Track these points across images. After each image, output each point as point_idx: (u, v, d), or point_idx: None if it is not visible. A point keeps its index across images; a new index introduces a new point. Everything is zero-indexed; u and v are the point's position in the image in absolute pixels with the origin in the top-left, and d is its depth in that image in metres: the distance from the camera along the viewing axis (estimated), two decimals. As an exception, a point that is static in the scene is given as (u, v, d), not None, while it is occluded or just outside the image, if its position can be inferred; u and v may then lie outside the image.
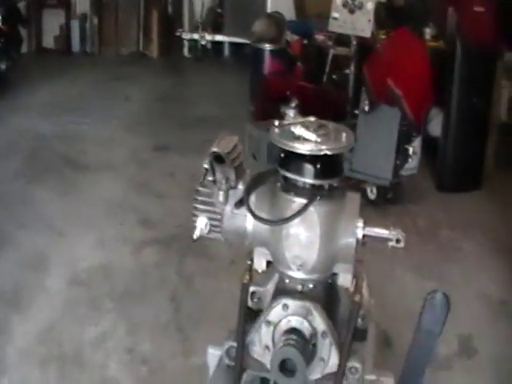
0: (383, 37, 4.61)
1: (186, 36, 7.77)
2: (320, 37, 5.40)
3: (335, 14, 4.74)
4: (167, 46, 7.84)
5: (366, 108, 3.84)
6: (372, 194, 3.81)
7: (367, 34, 4.55)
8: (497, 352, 2.61)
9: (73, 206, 3.72)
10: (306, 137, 1.13)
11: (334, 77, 5.00)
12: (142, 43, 7.81)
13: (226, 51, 8.01)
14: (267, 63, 5.41)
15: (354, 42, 4.65)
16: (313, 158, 1.11)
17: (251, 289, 1.20)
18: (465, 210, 3.87)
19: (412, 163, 3.82)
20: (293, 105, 3.40)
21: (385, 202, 3.72)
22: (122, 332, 2.64)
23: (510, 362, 2.55)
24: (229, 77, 7.07)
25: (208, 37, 7.75)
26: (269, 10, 6.74)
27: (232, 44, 7.89)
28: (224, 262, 3.20)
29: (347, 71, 4.64)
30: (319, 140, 1.12)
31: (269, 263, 1.23)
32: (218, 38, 7.81)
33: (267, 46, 5.35)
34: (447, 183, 4.17)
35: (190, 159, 4.53)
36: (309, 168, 1.12)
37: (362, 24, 4.63)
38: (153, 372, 2.43)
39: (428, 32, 4.76)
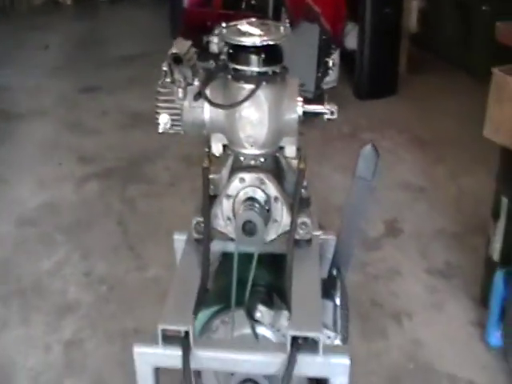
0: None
1: (100, -25, 7.62)
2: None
3: None
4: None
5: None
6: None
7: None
8: (417, 230, 2.96)
9: (10, 153, 3.75)
10: (251, 32, 1.29)
11: (252, 2, 5.10)
12: (55, -10, 7.61)
13: (143, -11, 7.90)
14: (186, -4, 5.43)
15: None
16: (257, 49, 1.28)
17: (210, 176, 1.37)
18: (382, 114, 4.19)
19: (332, 75, 4.05)
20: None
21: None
22: (76, 259, 2.79)
23: (428, 237, 2.91)
24: (146, 15, 7.06)
25: (122, -25, 7.61)
26: None
27: (147, -18, 7.79)
28: (163, 184, 3.40)
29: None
30: (262, 33, 1.29)
31: (224, 147, 1.40)
32: (134, -26, 7.67)
33: (185, -21, 5.37)
34: (365, 91, 4.44)
35: (119, 97, 4.64)
36: (254, 58, 1.28)
37: None
38: (111, 289, 2.59)
39: None
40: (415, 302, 2.49)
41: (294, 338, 1.17)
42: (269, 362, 1.21)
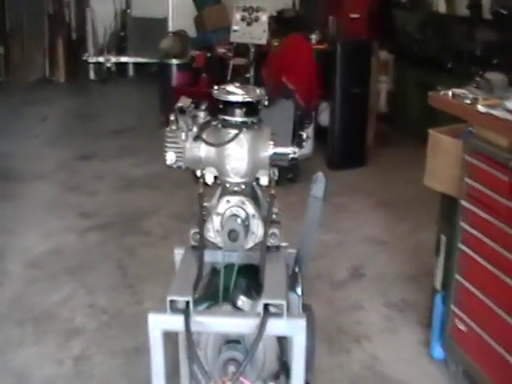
0: (276, 43, 5.54)
1: (92, 59, 8.45)
2: (221, 50, 6.27)
3: (235, 27, 5.68)
4: (73, 70, 8.45)
5: (266, 103, 4.73)
6: (274, 175, 4.68)
7: (263, 41, 5.53)
8: (378, 274, 3.54)
9: (16, 210, 4.30)
10: (236, 92, 1.90)
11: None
12: (49, 69, 8.37)
13: (131, 71, 8.76)
14: (175, 76, 6.21)
15: (253, 50, 5.57)
16: (240, 104, 1.87)
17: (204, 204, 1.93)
18: (352, 182, 4.87)
19: (307, 147, 4.72)
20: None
21: (286, 181, 4.56)
22: (81, 294, 3.28)
23: (387, 279, 3.49)
24: (135, 94, 7.90)
25: (113, 59, 8.46)
26: (170, 30, 7.54)
27: (136, 64, 8.66)
28: (157, 237, 3.95)
29: (247, 75, 5.53)
30: (243, 93, 1.89)
31: (215, 178, 1.96)
32: (123, 59, 8.56)
33: (174, 61, 6.16)
34: (336, 163, 5.15)
35: (113, 164, 5.26)
36: (238, 111, 1.87)
37: (258, 34, 5.62)
38: (112, 318, 3.08)
39: (314, 37, 5.74)
40: (374, 328, 3.03)
41: (266, 306, 1.70)
42: (247, 324, 1.73)
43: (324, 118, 5.32)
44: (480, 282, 2.42)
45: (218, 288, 1.86)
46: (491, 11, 5.38)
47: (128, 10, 8.39)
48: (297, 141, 5.15)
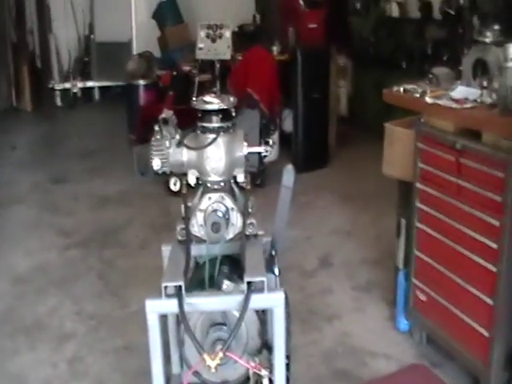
0: (240, 57, 5.86)
1: (58, 86, 8.68)
2: (186, 67, 6.56)
3: (200, 45, 5.98)
4: (39, 98, 8.63)
5: (233, 113, 5.05)
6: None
7: (228, 56, 5.85)
8: (345, 261, 3.88)
9: (-5, 232, 4.53)
10: (212, 101, 2.18)
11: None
12: (15, 98, 8.58)
13: (97, 95, 9.01)
14: (142, 96, 6.49)
15: (218, 65, 5.88)
16: (216, 112, 2.15)
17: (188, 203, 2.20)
18: (316, 181, 5.23)
19: (273, 152, 5.04)
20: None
21: (255, 186, 4.84)
22: (69, 304, 3.51)
23: (353, 265, 3.83)
24: (102, 117, 8.18)
25: (79, 84, 8.71)
26: (134, 52, 7.83)
27: (101, 88, 8.92)
28: (135, 248, 4.20)
29: (214, 90, 5.83)
30: (219, 102, 2.17)
31: (197, 179, 2.22)
32: (89, 84, 8.81)
33: (141, 82, 6.44)
34: (301, 165, 5.34)
35: (87, 184, 5.51)
36: (215, 117, 2.14)
37: (223, 50, 5.93)
38: (100, 322, 3.32)
39: (275, 48, 6.08)
40: (343, 309, 3.34)
41: (248, 283, 1.97)
42: (233, 301, 1.99)
43: (288, 125, 5.66)
44: (436, 253, 2.73)
45: (204, 278, 2.14)
46: (440, 11, 5.79)
47: (91, 36, 8.65)
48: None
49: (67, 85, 8.67)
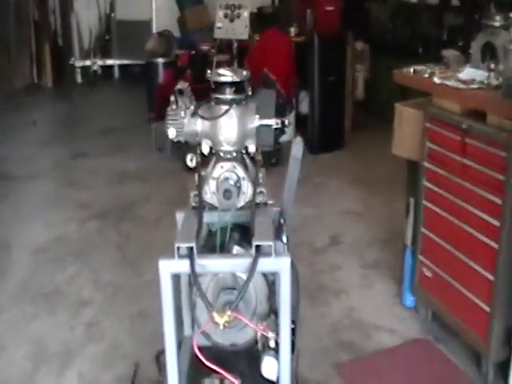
0: (257, 38, 5.96)
1: (79, 64, 8.82)
2: (204, 47, 6.66)
3: (219, 24, 6.12)
4: (60, 75, 8.80)
5: (250, 93, 5.16)
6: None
7: (245, 36, 5.97)
8: (355, 240, 4.00)
9: (15, 206, 4.66)
10: (226, 74, 2.30)
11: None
12: (36, 75, 8.73)
13: (116, 73, 9.14)
14: (161, 74, 6.59)
15: (236, 45, 5.99)
16: (230, 84, 2.27)
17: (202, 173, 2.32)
18: (331, 163, 5.36)
19: (288, 133, 5.15)
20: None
21: (270, 165, 4.97)
22: (86, 273, 3.67)
23: (363, 244, 3.94)
24: (121, 95, 8.32)
25: (99, 62, 8.85)
26: (154, 31, 7.93)
27: (121, 66, 9.05)
28: (151, 221, 4.34)
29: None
30: (232, 75, 2.29)
31: (210, 149, 2.34)
32: (109, 62, 8.94)
33: (160, 60, 6.55)
34: (316, 147, 5.60)
35: (106, 161, 5.65)
36: (228, 89, 2.26)
37: (240, 29, 6.06)
38: (116, 289, 3.47)
39: (292, 31, 6.16)
40: (352, 284, 3.45)
41: (257, 246, 2.09)
42: (242, 263, 2.11)
43: (304, 107, 5.74)
44: (441, 231, 2.83)
45: (215, 244, 2.26)
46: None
47: (112, 14, 8.76)
48: (280, 129, 5.61)
49: (87, 62, 8.81)
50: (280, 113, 5.13)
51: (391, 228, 3.94)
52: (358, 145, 5.76)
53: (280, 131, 5.20)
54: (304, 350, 2.70)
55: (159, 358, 2.58)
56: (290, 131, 5.28)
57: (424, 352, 2.88)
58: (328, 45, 5.50)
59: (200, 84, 5.59)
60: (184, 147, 5.03)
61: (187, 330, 2.60)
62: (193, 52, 6.70)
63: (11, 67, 8.56)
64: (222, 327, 2.09)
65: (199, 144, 2.35)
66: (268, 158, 4.73)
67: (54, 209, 4.60)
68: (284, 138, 5.23)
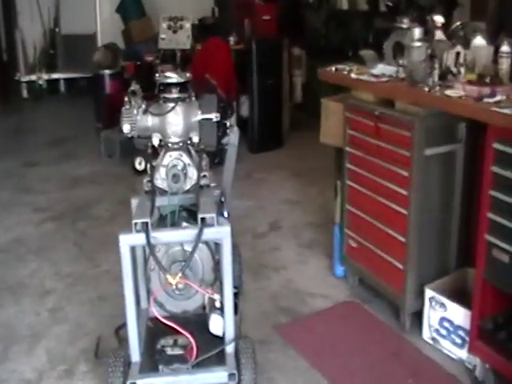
0: (199, 47, 6.41)
1: (24, 79, 9.09)
2: (149, 58, 7.07)
3: (163, 35, 6.61)
4: (6, 90, 9.04)
5: (193, 97, 5.61)
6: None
7: (188, 46, 6.45)
8: (292, 225, 4.49)
9: (-26, 212, 4.98)
10: (172, 76, 2.72)
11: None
12: (-19, 92, 8.97)
13: (62, 87, 9.45)
14: (108, 85, 6.97)
15: (179, 54, 6.45)
16: (175, 84, 2.69)
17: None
18: (270, 161, 5.90)
19: (232, 136, 5.62)
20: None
21: (214, 164, 5.40)
22: (47, 267, 4.00)
23: (300, 228, 4.44)
24: (68, 108, 8.69)
25: (45, 76, 9.14)
26: (99, 44, 8.29)
27: (67, 80, 9.37)
28: (105, 220, 4.71)
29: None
30: (177, 76, 2.71)
31: (160, 141, 2.74)
32: (54, 76, 9.24)
33: (107, 71, 6.92)
34: (257, 146, 6.15)
35: (58, 168, 6.00)
36: (174, 89, 2.70)
37: (183, 40, 6.56)
38: (76, 279, 3.83)
39: (232, 39, 6.64)
40: (289, 261, 3.93)
41: (202, 219, 2.51)
42: (190, 233, 2.53)
43: (245, 109, 6.25)
44: (362, 205, 3.30)
45: (166, 225, 2.69)
46: (384, 4, 6.41)
47: (56, 29, 9.09)
48: (222, 129, 6.07)
49: (33, 77, 9.09)
50: (221, 115, 5.61)
51: (325, 214, 4.41)
52: (296, 143, 6.31)
53: (222, 133, 5.68)
54: (247, 315, 3.14)
55: (118, 331, 2.98)
56: (234, 134, 5.73)
57: (352, 312, 3.35)
58: (265, 51, 6.00)
59: (146, 92, 6.00)
60: (132, 152, 5.46)
61: (143, 303, 3.00)
62: (138, 63, 7.09)
63: (-45, 84, 8.79)
64: (174, 287, 2.52)
65: (150, 137, 2.78)
66: (212, 158, 5.18)
67: (11, 214, 4.91)
68: (226, 140, 5.71)
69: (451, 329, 2.92)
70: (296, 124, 6.53)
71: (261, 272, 3.77)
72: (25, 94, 9.16)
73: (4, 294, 3.72)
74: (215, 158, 5.67)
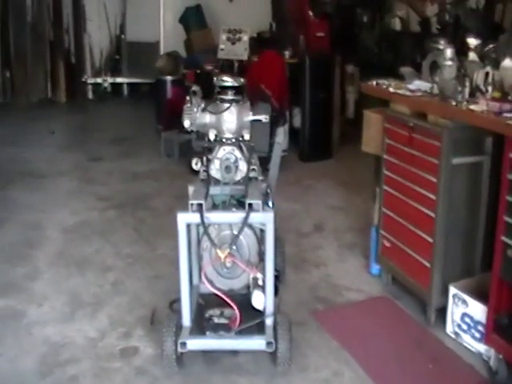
0: (255, 58, 6.88)
1: (90, 81, 9.74)
2: (209, 67, 7.58)
3: (222, 46, 7.16)
4: (73, 90, 9.73)
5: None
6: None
7: (245, 57, 6.96)
8: (335, 228, 4.87)
9: (44, 197, 5.51)
10: (228, 80, 3.17)
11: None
12: (51, 90, 9.65)
13: (125, 91, 10.06)
14: (169, 90, 7.49)
15: (236, 64, 6.94)
16: (231, 87, 3.14)
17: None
18: (319, 170, 6.32)
19: (283, 144, 6.06)
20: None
21: (266, 170, 5.83)
22: (109, 247, 4.49)
23: (342, 231, 4.83)
24: (130, 110, 9.28)
25: (109, 80, 9.77)
26: (161, 52, 8.86)
27: (130, 84, 9.98)
28: (162, 211, 5.18)
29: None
30: (233, 80, 3.16)
31: (215, 136, 3.18)
32: (118, 80, 9.86)
33: (168, 78, 7.45)
34: (307, 156, 6.59)
35: (119, 163, 6.53)
36: (229, 91, 3.15)
37: (241, 51, 7.07)
38: (135, 259, 4.30)
39: (287, 53, 7.10)
40: (329, 259, 4.31)
41: (249, 204, 2.93)
42: (238, 216, 2.96)
43: (297, 121, 6.69)
44: (396, 208, 3.67)
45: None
46: (435, 27, 6.78)
47: (122, 35, 9.71)
48: (274, 137, 6.48)
49: (99, 80, 9.74)
50: (274, 124, 6.07)
51: (366, 220, 4.74)
52: (345, 155, 6.70)
53: (274, 140, 6.05)
54: (287, 302, 3.54)
55: (172, 305, 3.41)
56: (284, 142, 6.16)
57: (383, 305, 3.71)
58: (318, 66, 6.43)
59: (205, 99, 6.52)
60: (190, 153, 5.94)
61: (195, 280, 3.43)
62: (198, 71, 7.60)
63: (27, 82, 9.48)
64: (223, 260, 2.94)
65: (207, 133, 3.22)
66: (265, 165, 5.63)
67: (78, 200, 5.45)
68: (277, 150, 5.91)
69: (471, 324, 3.25)
70: (346, 138, 6.92)
71: (302, 267, 4.17)
72: (90, 95, 9.83)
73: (71, 267, 4.21)
74: (267, 164, 6.13)
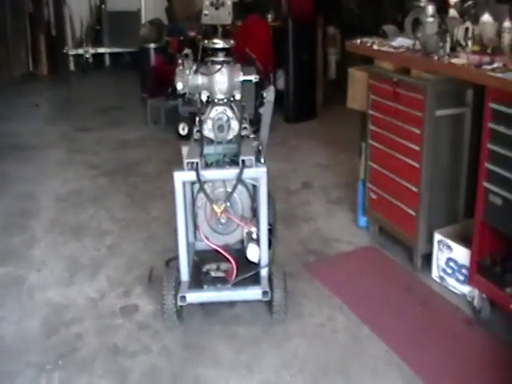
0: (239, 23, 6.94)
1: (72, 52, 9.75)
2: (192, 33, 7.61)
3: (206, 12, 7.16)
4: (55, 63, 9.71)
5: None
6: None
7: (229, 22, 6.94)
8: (323, 185, 5.02)
9: (35, 169, 5.59)
10: (219, 42, 3.27)
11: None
12: (32, 64, 9.64)
13: (107, 61, 10.08)
14: (153, 58, 7.54)
15: (220, 29, 6.99)
16: (222, 49, 3.24)
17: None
18: (304, 130, 6.45)
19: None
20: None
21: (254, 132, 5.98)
22: (103, 213, 4.61)
23: (329, 187, 4.99)
24: (113, 80, 9.33)
25: (91, 50, 9.77)
26: (143, 21, 8.88)
27: (111, 54, 9.99)
28: (153, 176, 5.30)
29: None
30: (223, 42, 3.26)
31: (207, 97, 3.29)
32: (100, 50, 9.87)
33: (152, 45, 7.49)
34: (292, 117, 6.70)
35: (107, 132, 6.61)
36: (221, 53, 3.25)
37: (224, 16, 7.06)
38: (129, 223, 4.42)
39: (270, 17, 7.17)
40: (318, 214, 4.47)
41: (242, 160, 3.06)
42: (232, 172, 3.08)
43: (280, 83, 6.79)
44: (381, 161, 3.82)
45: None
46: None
47: (102, 5, 9.70)
48: (259, 100, 6.59)
49: (80, 51, 9.74)
50: (259, 85, 6.17)
51: (353, 176, 4.89)
52: (329, 115, 6.84)
53: (259, 102, 6.18)
54: (279, 255, 3.68)
55: (168, 263, 3.54)
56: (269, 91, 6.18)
57: (371, 254, 3.88)
58: (301, 28, 6.50)
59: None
60: (177, 118, 6.03)
61: (190, 238, 3.56)
62: (182, 38, 7.64)
63: (8, 56, 9.45)
64: (219, 215, 3.08)
65: (199, 94, 3.33)
66: (252, 126, 5.70)
67: (69, 170, 5.54)
68: (263, 110, 6.06)
69: (456, 268, 3.42)
70: (329, 99, 7.05)
71: (292, 222, 4.32)
72: (72, 66, 9.83)
73: (67, 233, 4.33)
74: (253, 126, 6.26)
